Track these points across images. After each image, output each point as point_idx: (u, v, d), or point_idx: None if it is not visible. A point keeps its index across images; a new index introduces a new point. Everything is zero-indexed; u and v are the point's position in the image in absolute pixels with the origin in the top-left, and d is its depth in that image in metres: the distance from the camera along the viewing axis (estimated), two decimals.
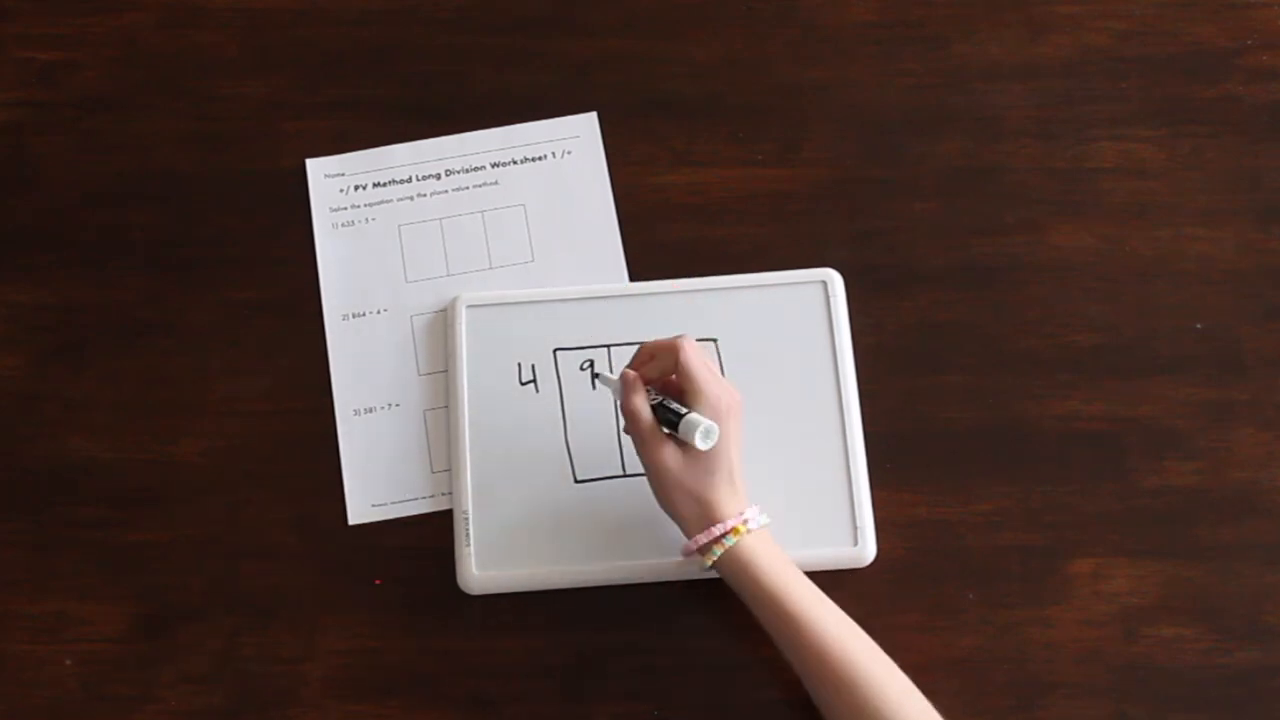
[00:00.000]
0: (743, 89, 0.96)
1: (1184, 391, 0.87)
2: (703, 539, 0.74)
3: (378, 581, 0.83)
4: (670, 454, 0.75)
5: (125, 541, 0.84)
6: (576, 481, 0.85)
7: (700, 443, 0.73)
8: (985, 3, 0.98)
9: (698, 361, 0.76)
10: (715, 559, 0.74)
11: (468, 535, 0.83)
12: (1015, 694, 0.80)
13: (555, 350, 0.88)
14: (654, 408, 0.76)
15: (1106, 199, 0.92)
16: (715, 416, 0.74)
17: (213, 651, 0.82)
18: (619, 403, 0.78)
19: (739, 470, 0.76)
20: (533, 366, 0.87)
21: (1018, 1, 0.98)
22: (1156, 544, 0.83)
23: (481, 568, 0.82)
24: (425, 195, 0.93)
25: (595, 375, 0.85)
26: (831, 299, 0.88)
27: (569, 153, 0.94)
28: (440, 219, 0.93)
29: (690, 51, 0.97)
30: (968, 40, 0.97)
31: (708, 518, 0.74)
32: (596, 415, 0.86)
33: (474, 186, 0.93)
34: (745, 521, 0.74)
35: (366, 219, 0.93)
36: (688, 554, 0.77)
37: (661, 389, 0.78)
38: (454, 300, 0.89)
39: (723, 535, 0.74)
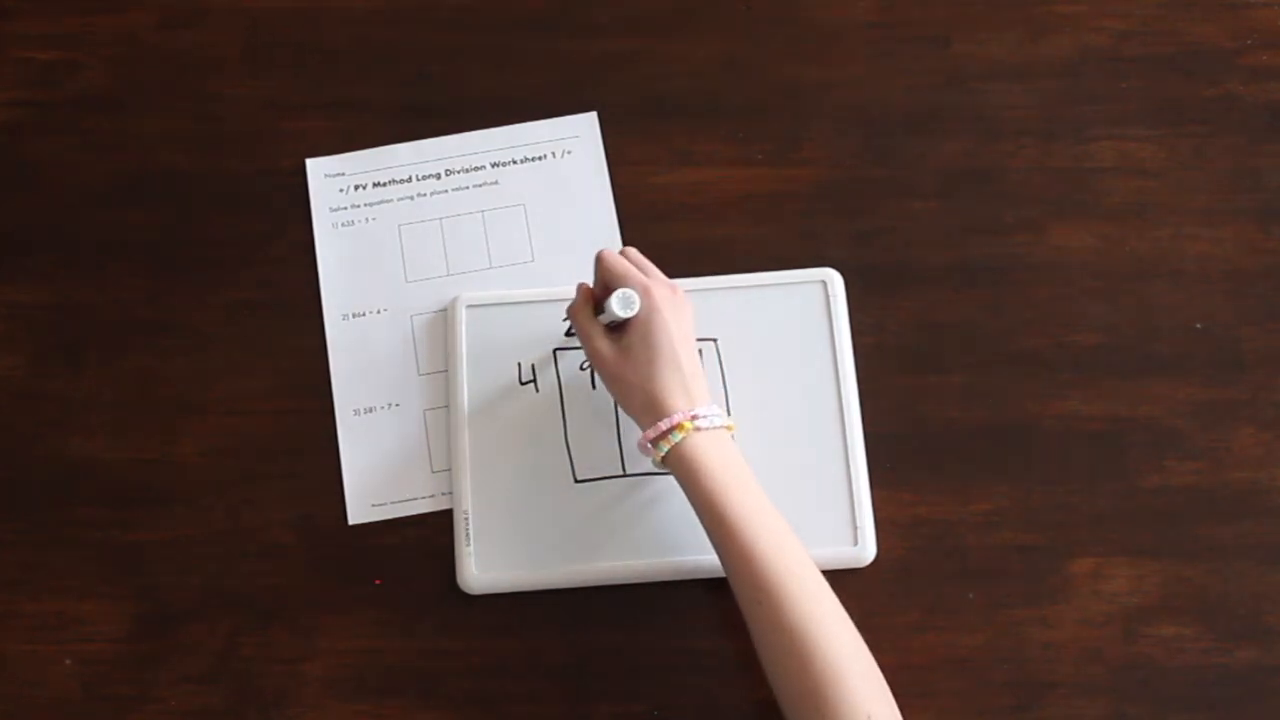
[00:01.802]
0: (742, 89, 0.96)
1: (1184, 391, 0.87)
2: (651, 434, 0.74)
3: (378, 581, 0.83)
4: (604, 342, 0.78)
5: (125, 541, 0.85)
6: (576, 481, 0.85)
7: (619, 309, 0.75)
8: (985, 3, 0.98)
9: (618, 260, 0.79)
10: (663, 455, 0.74)
11: (468, 535, 0.83)
12: (1015, 694, 0.80)
13: (555, 350, 0.88)
14: (598, 314, 0.80)
15: (1106, 199, 0.92)
16: (644, 304, 0.76)
17: (213, 651, 0.82)
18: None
19: (690, 367, 0.76)
20: (533, 366, 0.87)
21: (1018, 1, 0.98)
22: (1156, 544, 0.83)
23: (481, 568, 0.82)
24: (425, 195, 0.93)
25: (567, 334, 0.87)
26: (831, 299, 0.88)
27: (569, 153, 0.94)
28: (440, 219, 0.93)
29: (690, 51, 0.97)
30: (968, 40, 0.97)
31: (656, 412, 0.74)
32: (596, 415, 0.86)
33: (474, 186, 0.93)
34: (694, 419, 0.74)
35: (366, 219, 0.93)
36: (643, 451, 0.76)
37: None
38: (454, 300, 0.89)
39: (669, 430, 0.73)
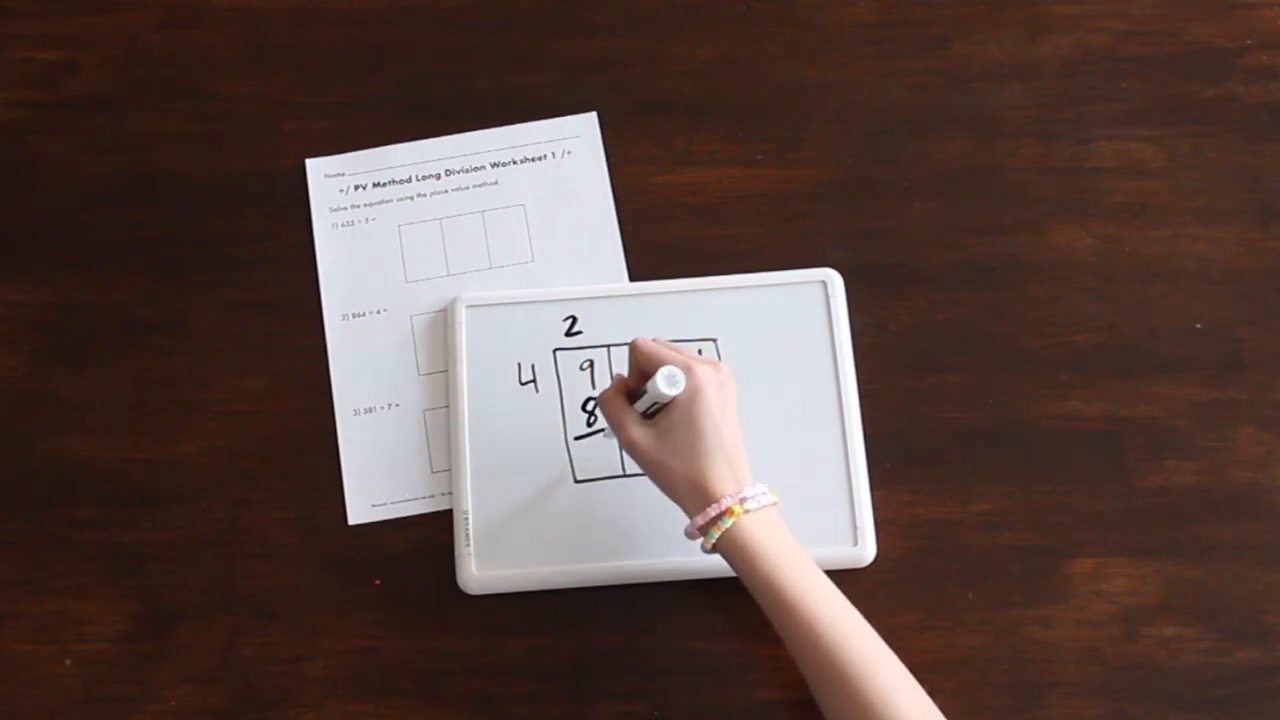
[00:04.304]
0: (742, 89, 0.96)
1: (1184, 391, 0.87)
2: (700, 521, 0.73)
3: (378, 581, 0.83)
4: (640, 430, 0.75)
5: (125, 541, 0.85)
6: (576, 481, 0.85)
7: (666, 387, 0.73)
8: (985, 3, 0.98)
9: (654, 345, 0.76)
10: (714, 543, 0.73)
11: (468, 535, 0.83)
12: (1015, 694, 0.80)
13: (555, 350, 0.88)
14: (634, 402, 0.77)
15: (1106, 199, 0.92)
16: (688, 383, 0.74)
17: (213, 651, 0.82)
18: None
19: (734, 446, 0.74)
20: (533, 366, 0.87)
21: (1018, 1, 0.98)
22: (1156, 544, 0.83)
23: (481, 568, 0.82)
24: (425, 195, 0.93)
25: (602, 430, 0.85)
26: (831, 299, 0.88)
27: (569, 153, 0.94)
28: (440, 219, 0.93)
29: (690, 51, 0.97)
30: (968, 40, 0.97)
31: (704, 498, 0.73)
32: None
33: (474, 186, 0.94)
34: (743, 501, 0.72)
35: (366, 219, 0.93)
36: (690, 537, 0.75)
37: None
38: (454, 300, 0.89)
39: (719, 516, 0.72)
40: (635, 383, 0.78)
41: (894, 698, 0.68)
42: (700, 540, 0.74)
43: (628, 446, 0.76)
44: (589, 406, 0.86)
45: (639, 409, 0.76)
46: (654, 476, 0.76)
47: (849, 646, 0.70)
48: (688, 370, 0.74)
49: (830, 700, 0.70)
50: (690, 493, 0.73)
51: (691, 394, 0.73)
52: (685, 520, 0.74)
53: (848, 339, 0.87)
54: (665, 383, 0.73)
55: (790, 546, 0.73)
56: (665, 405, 0.75)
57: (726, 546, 0.73)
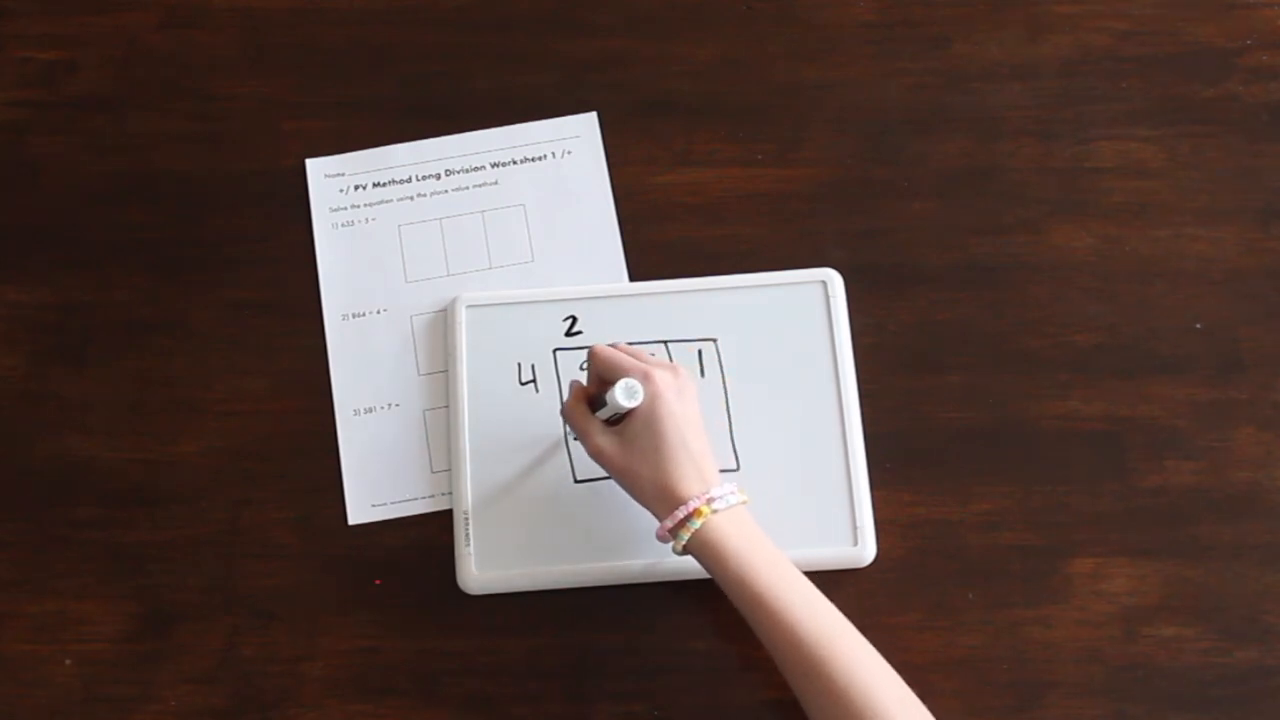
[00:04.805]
0: (742, 89, 0.96)
1: (1184, 391, 0.87)
2: (669, 523, 0.73)
3: (378, 581, 0.83)
4: (605, 438, 0.76)
5: (125, 541, 0.85)
6: (576, 481, 0.85)
7: (624, 399, 0.73)
8: (985, 3, 0.98)
9: (612, 352, 0.77)
10: (684, 544, 0.73)
11: (468, 535, 0.83)
12: (1015, 694, 0.80)
13: (555, 350, 0.88)
14: (595, 410, 0.77)
15: (1106, 199, 0.92)
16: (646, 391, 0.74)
17: (213, 651, 0.82)
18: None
19: (698, 448, 0.74)
20: (533, 366, 0.87)
21: (1018, 1, 0.98)
22: (1156, 544, 0.83)
23: (481, 568, 0.82)
24: (425, 195, 0.93)
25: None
26: (831, 299, 0.88)
27: (569, 153, 0.94)
28: (440, 219, 0.93)
29: (690, 51, 0.97)
30: (968, 40, 0.97)
31: (671, 502, 0.73)
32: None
33: (474, 186, 0.94)
34: (710, 502, 0.73)
35: (366, 219, 0.93)
36: (661, 540, 0.75)
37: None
38: (454, 300, 0.89)
39: (687, 518, 0.72)
40: (595, 389, 0.78)
41: (875, 691, 0.68)
42: (671, 544, 0.74)
43: (594, 455, 0.77)
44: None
45: (601, 417, 0.77)
46: (622, 483, 0.76)
47: (827, 642, 0.70)
48: (645, 378, 0.74)
49: (812, 697, 0.70)
50: (658, 497, 0.74)
51: (650, 400, 0.74)
52: None
53: (848, 339, 0.87)
54: (624, 395, 0.74)
55: (761, 543, 0.73)
56: (627, 413, 0.75)
57: (697, 548, 0.73)
